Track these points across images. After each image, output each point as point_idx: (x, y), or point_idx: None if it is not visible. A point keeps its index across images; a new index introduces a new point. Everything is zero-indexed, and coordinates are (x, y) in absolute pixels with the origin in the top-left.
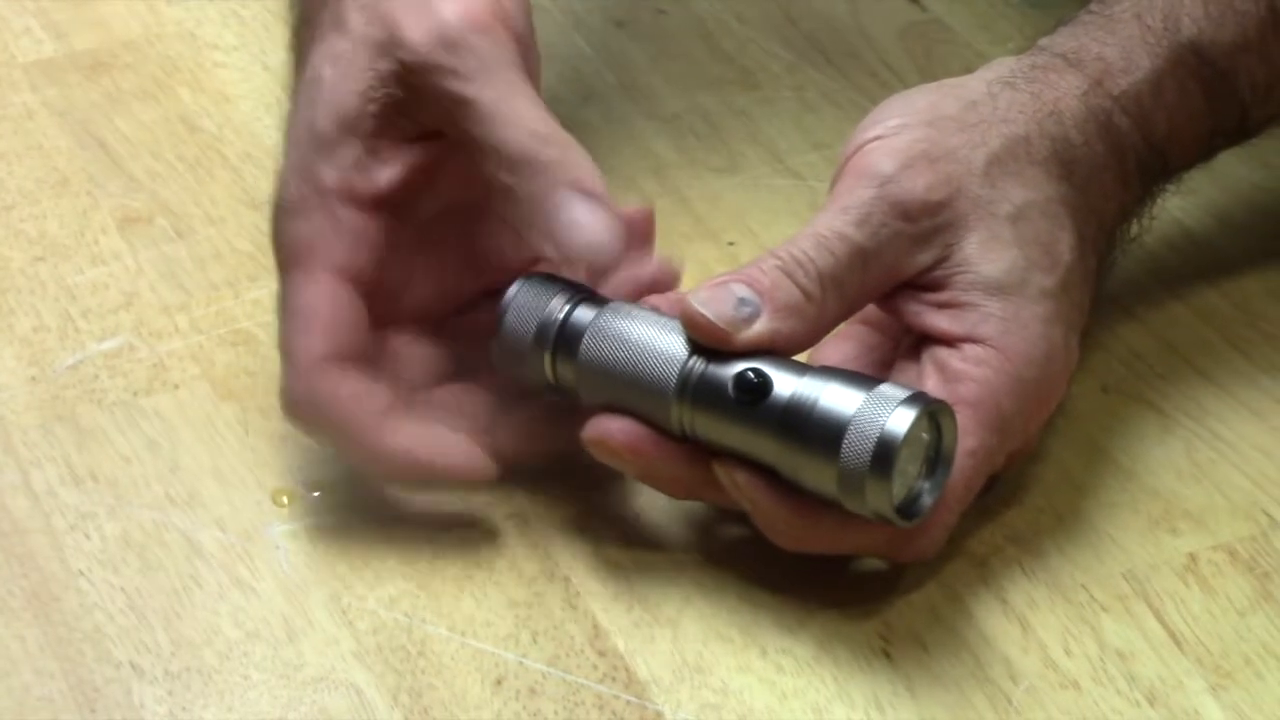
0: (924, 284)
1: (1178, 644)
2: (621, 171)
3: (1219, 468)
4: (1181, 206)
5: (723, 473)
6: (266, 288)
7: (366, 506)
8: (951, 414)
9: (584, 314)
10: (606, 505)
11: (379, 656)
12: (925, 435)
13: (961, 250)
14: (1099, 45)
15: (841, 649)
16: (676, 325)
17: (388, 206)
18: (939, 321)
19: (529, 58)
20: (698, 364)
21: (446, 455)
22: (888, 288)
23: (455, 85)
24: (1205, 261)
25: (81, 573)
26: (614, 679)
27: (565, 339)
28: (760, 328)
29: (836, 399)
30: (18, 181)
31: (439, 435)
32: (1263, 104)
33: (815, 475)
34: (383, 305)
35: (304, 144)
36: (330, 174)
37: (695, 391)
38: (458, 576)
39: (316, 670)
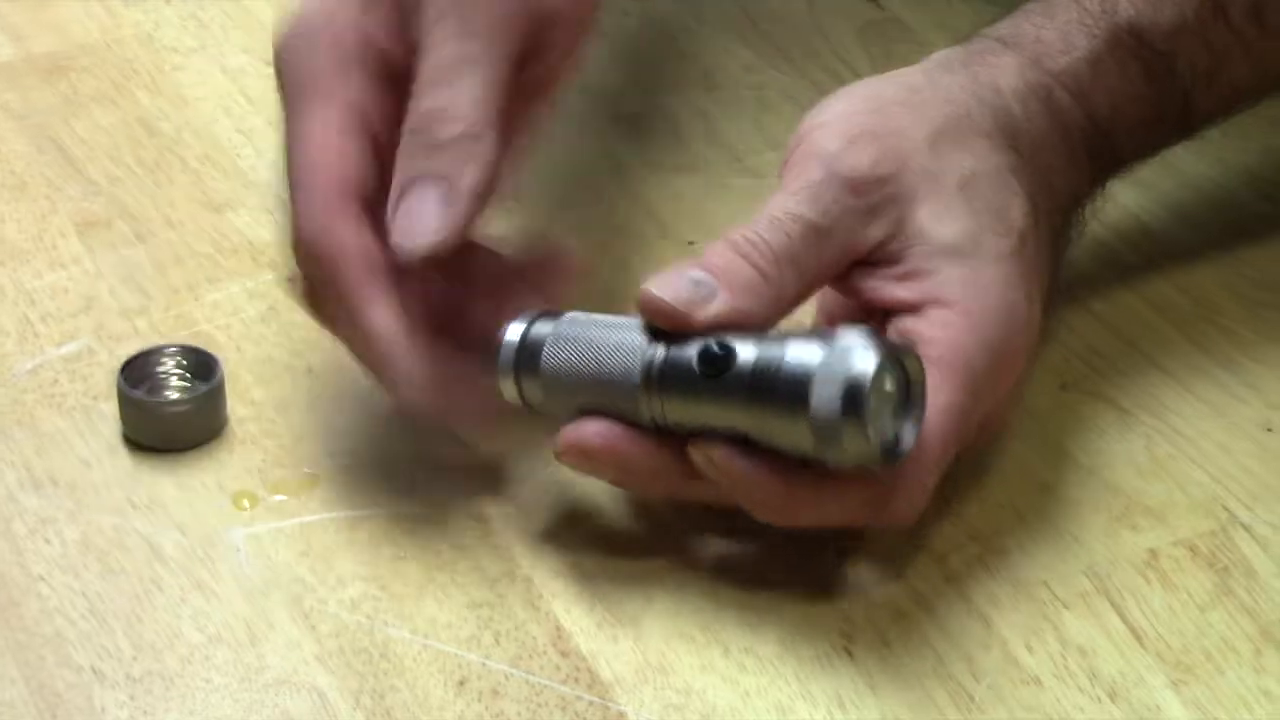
0: (880, 259)
1: (1139, 640)
2: (582, 172)
3: (1178, 464)
4: (1138, 202)
5: (697, 452)
6: (225, 290)
7: (328, 509)
8: (916, 356)
9: (542, 328)
10: (569, 506)
11: (341, 659)
12: (891, 375)
13: (913, 221)
14: (1036, 28)
15: (804, 647)
16: (634, 322)
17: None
18: (899, 292)
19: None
20: (660, 350)
21: (400, 354)
22: (843, 265)
23: (430, 28)
24: (1162, 257)
25: (42, 577)
26: (577, 680)
27: (526, 356)
28: (718, 307)
29: (800, 354)
30: None
31: (404, 334)
32: (1205, 90)
33: (790, 434)
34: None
35: None
36: (353, 24)
37: (661, 376)
38: (419, 578)
39: (278, 673)
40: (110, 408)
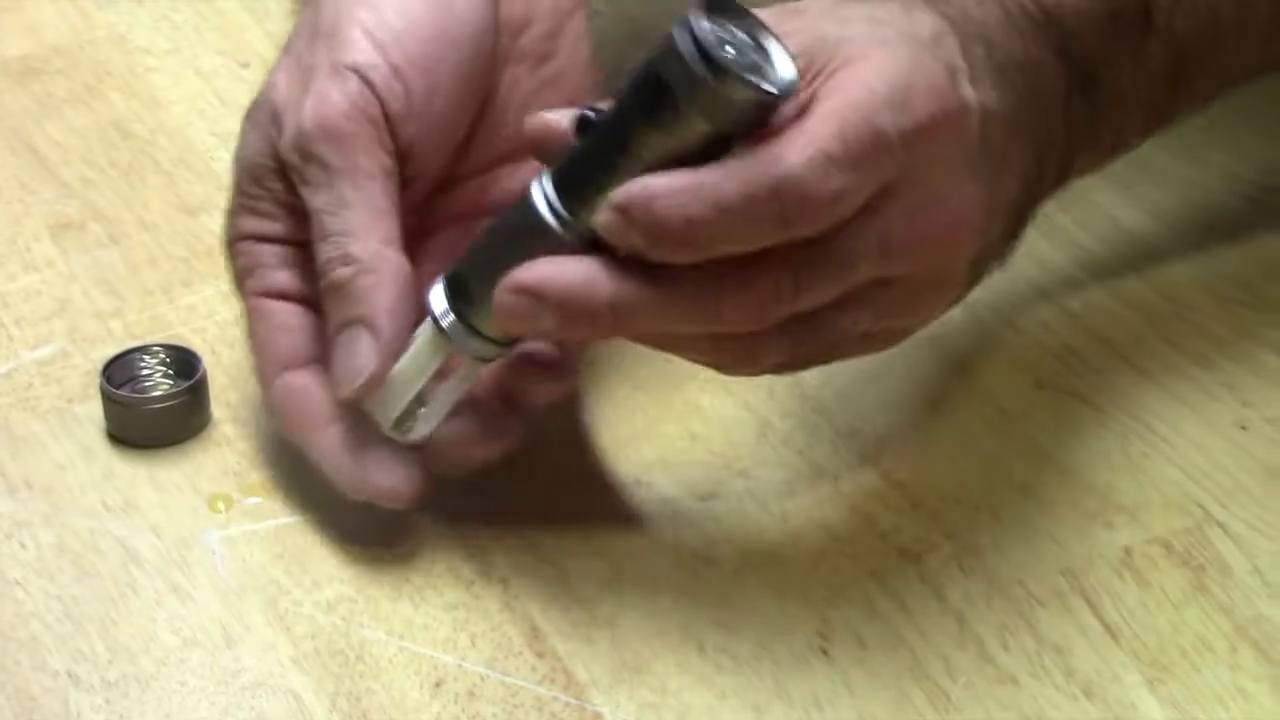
0: None
1: (1114, 638)
2: None
3: (1153, 462)
4: (1113, 200)
5: (609, 214)
6: (200, 293)
7: (303, 512)
8: (755, 18)
9: (455, 269)
10: (543, 507)
11: (317, 661)
12: (726, 23)
13: (811, 32)
14: None
15: (780, 647)
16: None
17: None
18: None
19: (401, 145)
20: (542, 178)
21: (373, 474)
22: None
23: (302, 189)
24: (1137, 255)
25: (17, 582)
26: (553, 680)
27: (458, 301)
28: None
29: (642, 69)
30: None
31: (372, 453)
32: (1173, 7)
33: (677, 129)
34: None
35: (233, 178)
36: (248, 222)
37: (558, 183)
38: (395, 580)
39: (254, 676)
40: (85, 410)
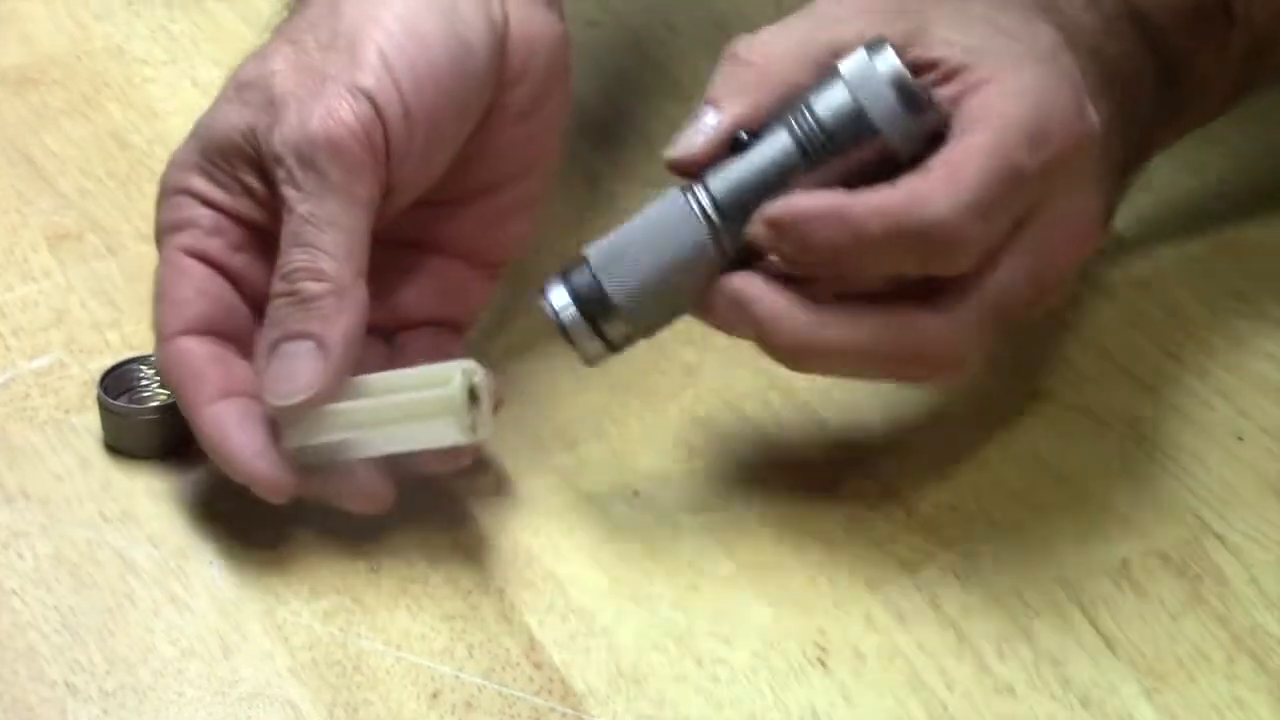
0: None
1: (1111, 648)
2: (553, 182)
3: (1151, 472)
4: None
5: (762, 228)
6: None
7: (301, 521)
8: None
9: (580, 275)
10: (540, 518)
11: (314, 671)
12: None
13: (933, 32)
14: None
15: (777, 658)
16: (651, 208)
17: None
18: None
19: (391, 183)
20: (699, 192)
21: (243, 455)
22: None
23: (285, 188)
24: (1134, 266)
25: (14, 592)
26: (550, 691)
27: (590, 304)
28: (719, 120)
29: (825, 96)
30: None
31: (250, 437)
32: None
33: (858, 154)
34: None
35: (196, 136)
36: (197, 182)
37: (717, 207)
38: (392, 590)
39: (252, 686)
40: (82, 420)
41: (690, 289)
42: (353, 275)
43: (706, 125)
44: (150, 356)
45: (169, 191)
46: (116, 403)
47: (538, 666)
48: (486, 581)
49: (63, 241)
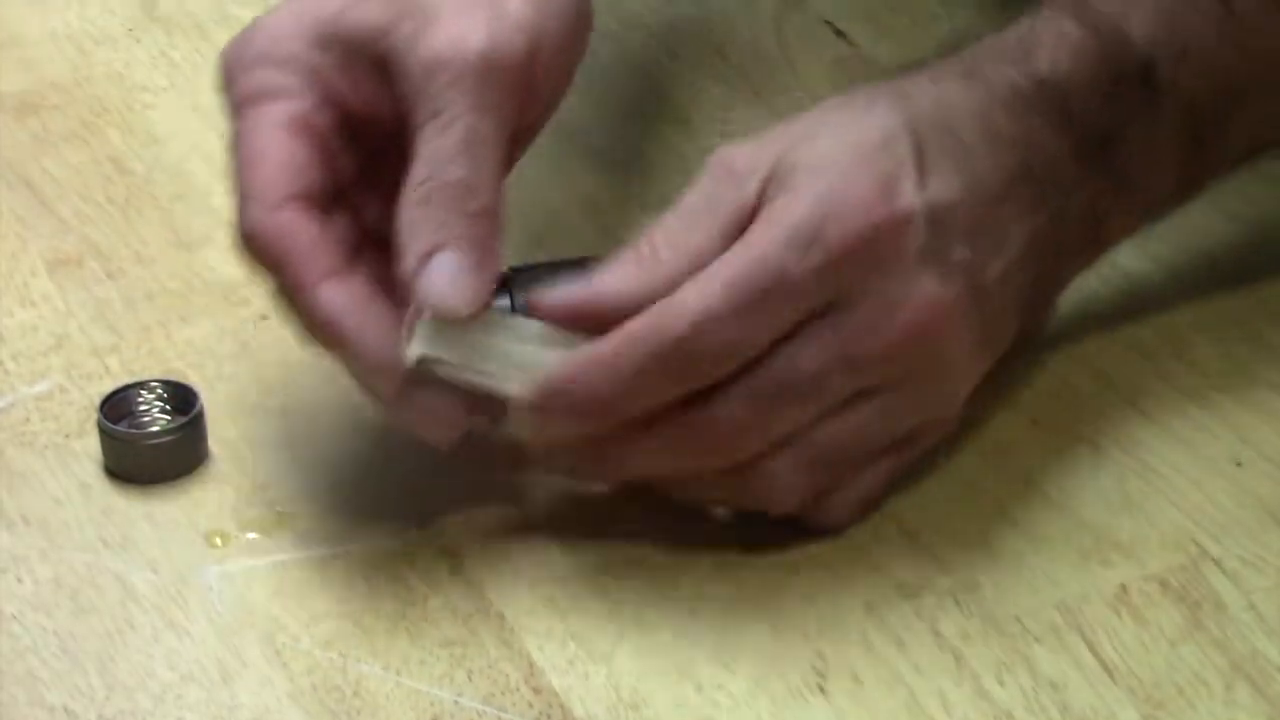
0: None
1: (1110, 674)
2: (552, 207)
3: (1149, 498)
4: None
5: (523, 415)
6: (198, 328)
7: (300, 547)
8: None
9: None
10: (540, 542)
11: (314, 697)
12: None
13: (787, 159)
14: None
15: (776, 683)
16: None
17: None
18: None
19: (528, 89)
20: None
21: (365, 338)
22: (735, 231)
23: (445, 92)
24: (1135, 294)
25: (14, 616)
26: (550, 717)
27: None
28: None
29: None
30: None
31: (372, 317)
32: (1177, 63)
33: None
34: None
35: (302, 13)
36: (315, 59)
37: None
38: (392, 615)
39: (251, 712)
40: (82, 445)
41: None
42: (500, 198)
43: (580, 287)
44: (150, 381)
45: (263, 58)
46: (117, 428)
47: (537, 692)
48: (486, 606)
49: (62, 266)
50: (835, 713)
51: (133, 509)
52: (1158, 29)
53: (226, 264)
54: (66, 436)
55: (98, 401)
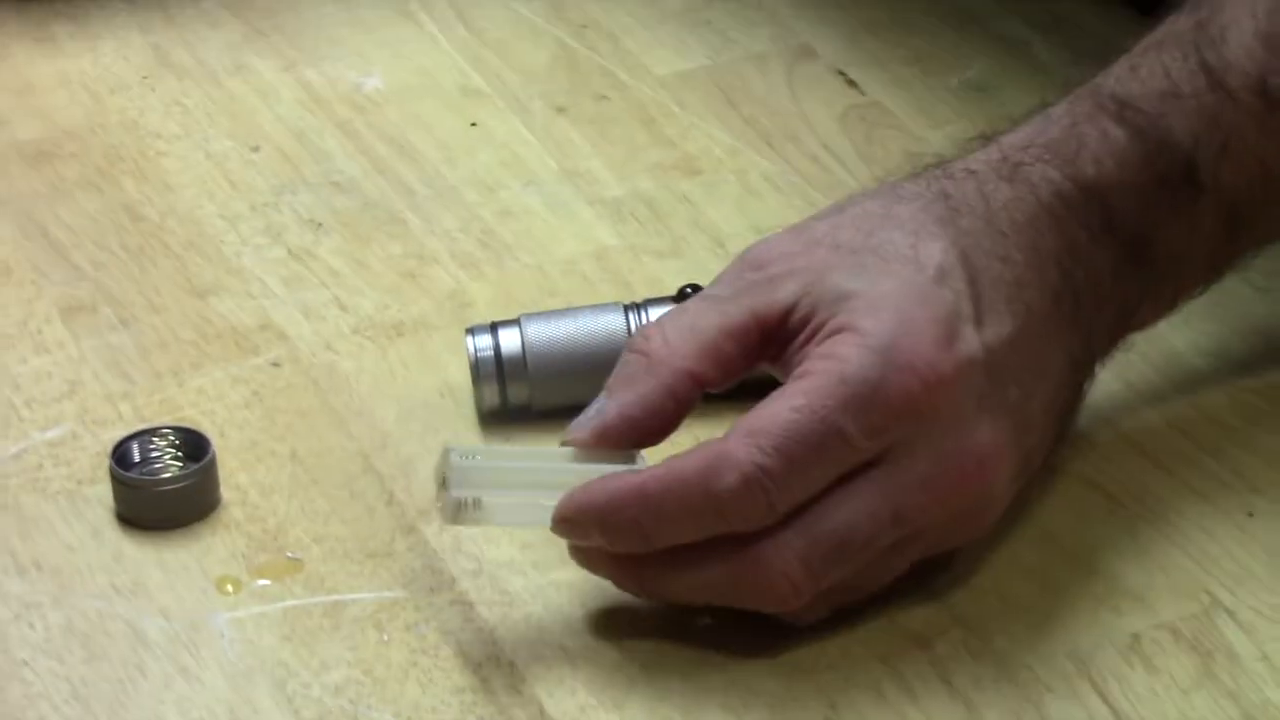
0: (797, 326)
1: None
2: (563, 256)
3: (1162, 547)
4: None
5: (560, 526)
6: (209, 375)
7: (311, 593)
8: None
9: (510, 332)
10: (551, 589)
11: None
12: None
13: (823, 282)
14: (1013, 130)
15: None
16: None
17: None
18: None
19: None
20: (639, 313)
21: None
22: (755, 334)
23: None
24: (1147, 344)
25: (25, 662)
26: None
27: (508, 358)
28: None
29: None
30: None
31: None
32: (1218, 159)
33: None
34: None
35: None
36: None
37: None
38: (403, 662)
39: None
40: (94, 491)
41: (594, 385)
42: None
43: (596, 411)
44: (162, 428)
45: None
46: (128, 474)
47: None
48: (497, 654)
49: (76, 313)
50: None
51: (144, 555)
52: (1199, 125)
53: (238, 311)
54: (79, 483)
55: (110, 448)
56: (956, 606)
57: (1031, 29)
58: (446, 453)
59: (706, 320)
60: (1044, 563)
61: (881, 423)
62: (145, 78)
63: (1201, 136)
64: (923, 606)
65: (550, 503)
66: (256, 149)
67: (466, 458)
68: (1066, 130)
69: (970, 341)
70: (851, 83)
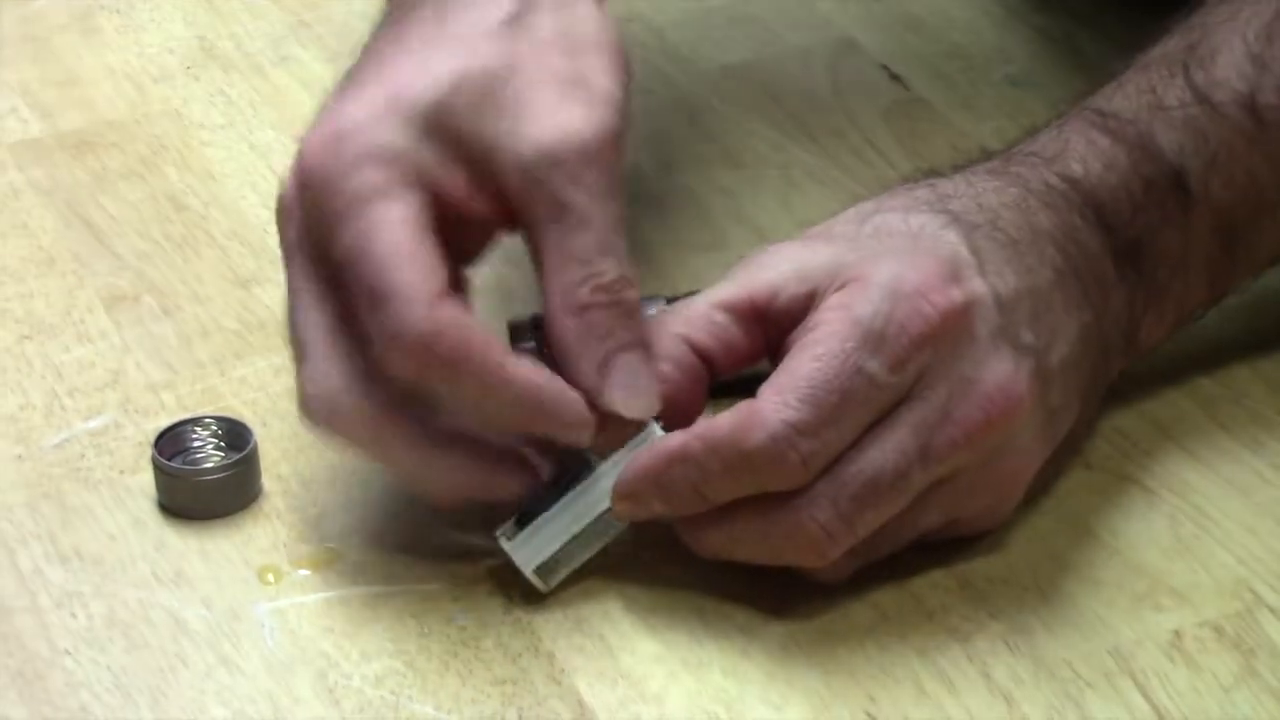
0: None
1: None
2: None
3: (1204, 544)
4: None
5: (622, 505)
6: (252, 365)
7: (352, 584)
8: None
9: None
10: (590, 580)
11: None
12: None
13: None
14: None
15: None
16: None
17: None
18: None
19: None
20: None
21: (567, 394)
22: (753, 313)
23: (570, 188)
24: (1189, 340)
25: (67, 651)
26: None
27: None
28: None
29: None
30: (4, 261)
31: (553, 375)
32: (1207, 170)
33: None
34: None
35: (397, 105)
36: (420, 158)
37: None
38: (443, 654)
39: None
40: (137, 481)
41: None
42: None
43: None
44: (205, 417)
45: (369, 156)
46: (171, 463)
47: None
48: (536, 645)
49: (119, 303)
50: None
51: (186, 545)
52: (1184, 136)
53: (281, 302)
54: (121, 472)
55: (152, 438)
56: (995, 602)
57: (1074, 22)
58: (498, 538)
59: (695, 300)
60: (1083, 558)
61: (903, 353)
62: (189, 68)
63: (1187, 146)
64: (961, 601)
65: (603, 506)
66: (300, 139)
67: (509, 537)
68: (1053, 138)
69: (977, 281)
70: (895, 77)
